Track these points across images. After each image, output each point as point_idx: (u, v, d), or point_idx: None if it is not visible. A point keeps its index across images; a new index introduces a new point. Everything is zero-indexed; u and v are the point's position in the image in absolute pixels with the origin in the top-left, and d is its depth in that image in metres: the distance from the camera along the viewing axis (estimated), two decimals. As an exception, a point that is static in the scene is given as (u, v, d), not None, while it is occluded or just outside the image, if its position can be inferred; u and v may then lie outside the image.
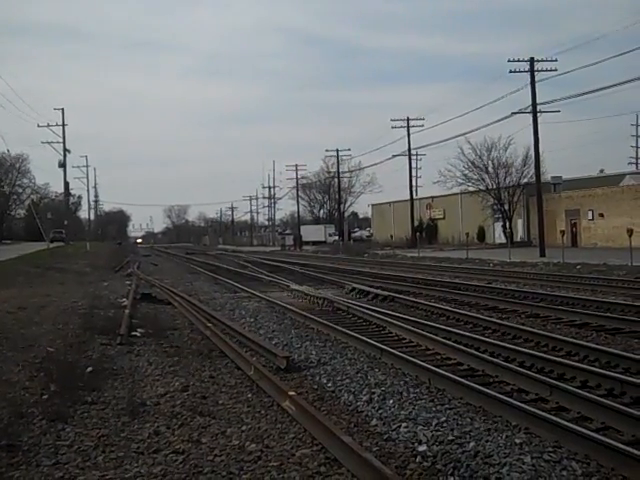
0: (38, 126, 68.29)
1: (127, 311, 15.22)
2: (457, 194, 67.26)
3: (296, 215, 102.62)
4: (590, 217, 50.93)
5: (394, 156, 68.86)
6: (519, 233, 59.39)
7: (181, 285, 25.14)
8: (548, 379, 8.00)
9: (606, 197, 50.29)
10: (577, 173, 73.54)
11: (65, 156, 69.86)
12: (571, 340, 10.97)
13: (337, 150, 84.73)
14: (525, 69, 40.37)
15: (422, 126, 64.80)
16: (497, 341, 10.95)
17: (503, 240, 52.49)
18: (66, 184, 72.43)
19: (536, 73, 40.16)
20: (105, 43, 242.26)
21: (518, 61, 40.75)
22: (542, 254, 38.15)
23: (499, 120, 47.06)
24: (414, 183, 70.28)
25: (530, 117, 40.26)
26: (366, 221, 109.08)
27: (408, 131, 65.68)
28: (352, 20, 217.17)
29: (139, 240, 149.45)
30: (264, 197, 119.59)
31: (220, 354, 10.98)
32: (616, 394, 7.69)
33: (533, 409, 6.81)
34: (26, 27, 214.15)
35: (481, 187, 59.58)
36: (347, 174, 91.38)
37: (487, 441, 6.30)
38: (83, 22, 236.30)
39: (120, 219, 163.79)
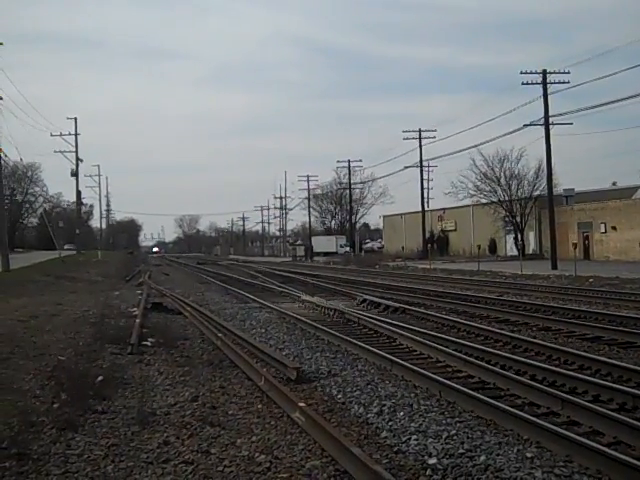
0: (51, 135, 68.44)
1: (138, 320, 15.26)
2: (469, 206, 67.20)
3: (307, 226, 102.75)
4: (602, 230, 50.68)
5: (406, 167, 68.83)
6: (531, 245, 59.21)
7: (192, 295, 25.18)
8: (560, 393, 7.96)
9: (619, 210, 50.06)
10: (589, 186, 73.53)
11: (77, 165, 70.07)
12: (583, 354, 10.90)
13: (349, 161, 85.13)
14: (538, 81, 40.39)
15: (434, 138, 64.95)
16: (508, 354, 10.89)
17: (515, 252, 52.43)
18: (78, 193, 72.69)
19: (549, 85, 40.16)
20: (118, 52, 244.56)
21: (531, 73, 40.80)
22: (554, 267, 38.00)
23: (511, 132, 47.22)
24: (426, 195, 70.22)
25: (542, 129, 40.24)
26: (377, 232, 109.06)
27: (420, 143, 65.72)
28: (365, 31, 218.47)
29: (156, 249, 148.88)
30: (275, 207, 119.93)
31: (230, 364, 10.98)
32: (628, 408, 7.63)
33: (544, 423, 6.76)
34: (38, 36, 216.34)
35: (493, 199, 59.44)
36: (359, 185, 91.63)
37: (498, 455, 6.27)
38: (95, 31, 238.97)
39: (131, 228, 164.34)
